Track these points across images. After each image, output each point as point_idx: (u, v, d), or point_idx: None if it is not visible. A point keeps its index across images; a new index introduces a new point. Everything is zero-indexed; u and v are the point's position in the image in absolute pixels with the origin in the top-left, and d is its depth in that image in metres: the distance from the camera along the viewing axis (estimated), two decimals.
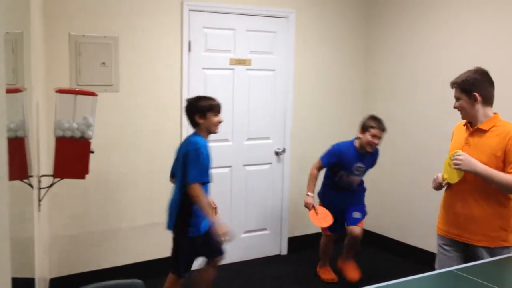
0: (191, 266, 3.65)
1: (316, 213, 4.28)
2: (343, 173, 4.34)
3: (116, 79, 4.24)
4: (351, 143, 4.33)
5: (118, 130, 4.30)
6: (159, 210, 4.19)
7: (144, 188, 4.45)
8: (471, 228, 2.95)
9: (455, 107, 3.02)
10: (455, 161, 2.89)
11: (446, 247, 3.09)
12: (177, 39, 4.45)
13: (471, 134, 2.98)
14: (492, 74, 2.99)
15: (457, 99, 3.00)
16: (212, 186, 4.74)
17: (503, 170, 2.83)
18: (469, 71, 2.98)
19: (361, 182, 4.50)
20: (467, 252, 3.01)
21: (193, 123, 3.57)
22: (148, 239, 4.50)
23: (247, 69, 4.81)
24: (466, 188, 2.94)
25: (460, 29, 4.52)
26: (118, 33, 4.20)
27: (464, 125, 3.07)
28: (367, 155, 4.30)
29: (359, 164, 4.28)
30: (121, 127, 4.31)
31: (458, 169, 2.88)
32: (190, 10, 4.46)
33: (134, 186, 4.41)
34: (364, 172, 4.37)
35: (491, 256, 2.86)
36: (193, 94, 4.52)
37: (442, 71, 4.64)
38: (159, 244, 4.40)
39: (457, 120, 3.15)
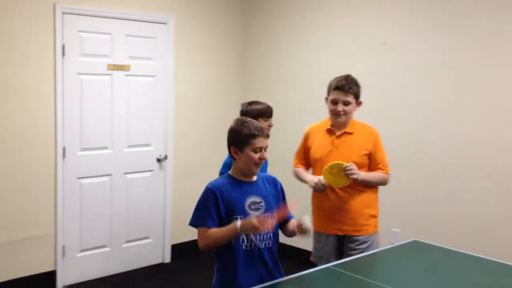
0: None
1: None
2: None
3: None
4: None
5: None
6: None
7: (13, 198, 4.17)
8: (345, 220, 3.13)
9: (339, 110, 3.06)
10: (350, 172, 2.99)
11: (321, 242, 3.24)
12: (49, 43, 4.23)
13: (338, 138, 3.13)
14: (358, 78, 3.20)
15: (346, 103, 3.06)
16: (91, 195, 4.59)
17: (373, 167, 3.11)
18: (349, 76, 3.10)
19: None
20: (341, 243, 3.20)
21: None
22: None
23: (126, 75, 4.70)
24: None
25: (333, 35, 4.78)
26: None
27: (326, 130, 3.18)
28: None
29: None
30: None
31: (355, 179, 3.02)
32: (63, 13, 4.27)
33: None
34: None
35: (363, 243, 3.09)
36: (68, 100, 4.35)
37: (318, 73, 4.85)
38: None
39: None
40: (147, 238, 4.99)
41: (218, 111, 5.41)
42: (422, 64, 4.14)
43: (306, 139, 3.30)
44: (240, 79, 5.59)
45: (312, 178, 3.18)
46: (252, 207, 2.46)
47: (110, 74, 4.60)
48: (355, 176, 3.01)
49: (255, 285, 2.39)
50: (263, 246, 2.46)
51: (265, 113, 3.30)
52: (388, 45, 4.35)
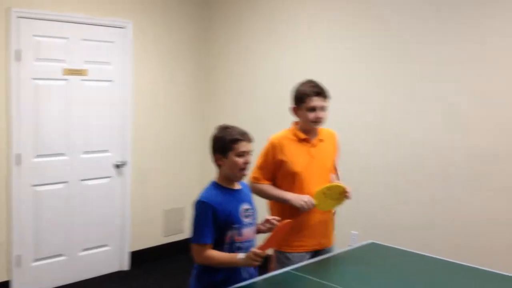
0: None
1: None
2: None
3: None
4: None
5: None
6: None
7: None
8: (324, 232, 3.07)
9: (320, 117, 2.94)
10: (350, 196, 2.93)
11: (293, 261, 2.92)
12: (2, 48, 4.13)
13: (314, 146, 3.01)
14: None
15: (324, 109, 2.97)
16: (46, 203, 4.49)
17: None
18: (313, 80, 3.00)
19: None
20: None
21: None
22: None
23: (82, 80, 4.62)
24: None
25: (297, 42, 4.84)
26: None
27: (298, 139, 2.99)
28: None
29: None
30: None
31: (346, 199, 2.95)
32: (18, 17, 4.17)
33: None
34: None
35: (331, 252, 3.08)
36: (23, 105, 4.25)
37: (280, 79, 4.89)
38: None
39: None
40: (105, 245, 4.91)
41: (177, 116, 5.39)
42: (382, 67, 4.25)
43: (275, 151, 2.97)
44: (199, 84, 5.58)
45: (297, 196, 2.90)
46: (245, 214, 2.50)
47: (66, 79, 4.52)
48: (351, 197, 2.96)
49: None
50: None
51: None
52: (352, 51, 4.42)
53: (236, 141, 2.45)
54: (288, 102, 3.11)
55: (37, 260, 4.46)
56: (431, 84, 3.96)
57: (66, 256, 4.64)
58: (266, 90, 5.04)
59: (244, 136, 2.48)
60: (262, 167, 3.01)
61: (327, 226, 3.07)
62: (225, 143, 2.45)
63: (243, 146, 2.46)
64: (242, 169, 2.47)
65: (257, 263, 2.33)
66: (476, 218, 3.75)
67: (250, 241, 2.51)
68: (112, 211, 4.94)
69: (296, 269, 2.70)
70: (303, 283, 2.55)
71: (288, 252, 2.96)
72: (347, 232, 4.34)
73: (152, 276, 4.88)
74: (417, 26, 4.01)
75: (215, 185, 2.52)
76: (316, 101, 2.91)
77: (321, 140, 3.04)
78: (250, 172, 2.97)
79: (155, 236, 5.21)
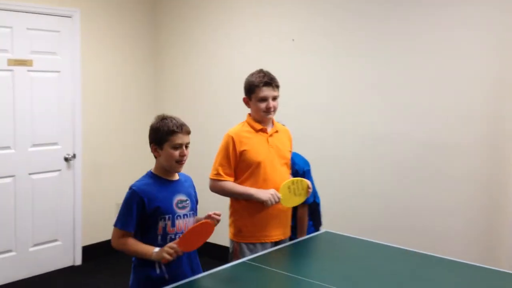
0: None
1: None
2: None
3: None
4: None
5: None
6: None
7: None
8: (286, 223, 3.06)
9: (270, 107, 2.91)
10: (310, 191, 2.91)
11: (255, 252, 2.92)
12: None
13: (271, 136, 2.99)
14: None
15: (275, 98, 2.95)
16: None
17: None
18: (266, 71, 2.98)
19: None
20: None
21: None
22: None
23: (28, 70, 4.48)
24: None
25: (243, 32, 4.83)
26: None
27: (255, 130, 2.96)
28: None
29: None
30: None
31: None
32: None
33: None
34: None
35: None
36: None
37: (227, 71, 4.90)
38: None
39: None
40: (56, 240, 4.80)
41: (127, 107, 5.30)
42: (329, 62, 4.30)
43: (234, 144, 2.91)
44: (149, 74, 5.50)
45: (262, 191, 2.86)
46: (180, 205, 2.45)
47: (11, 70, 4.36)
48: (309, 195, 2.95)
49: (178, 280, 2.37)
50: None
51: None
52: (297, 42, 4.46)
53: (172, 132, 2.40)
54: (241, 91, 3.07)
55: None
56: (390, 75, 4.02)
57: (16, 252, 4.51)
58: (220, 77, 5.02)
59: (180, 128, 2.42)
60: (222, 163, 2.93)
61: (288, 216, 3.08)
62: (161, 134, 2.41)
63: (179, 138, 2.41)
64: (178, 161, 2.43)
65: (169, 258, 2.25)
66: (429, 207, 3.85)
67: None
68: (62, 206, 4.82)
69: (252, 260, 2.71)
70: (260, 273, 2.57)
71: (252, 243, 2.95)
72: None
73: (104, 270, 4.81)
74: (369, 12, 4.08)
75: (150, 175, 2.49)
76: (266, 91, 2.90)
77: (276, 131, 3.04)
78: (212, 171, 2.96)
79: (107, 230, 5.06)
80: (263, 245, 2.97)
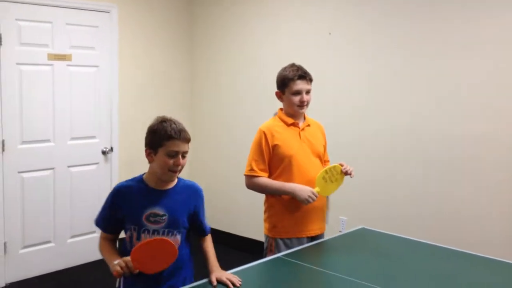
0: None
1: None
2: None
3: None
4: None
5: None
6: None
7: None
8: (322, 217, 3.02)
9: (304, 101, 2.89)
10: (350, 170, 2.86)
11: (291, 248, 2.88)
12: None
13: (303, 130, 2.96)
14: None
15: (308, 92, 2.93)
16: (33, 190, 4.43)
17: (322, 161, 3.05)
18: (296, 64, 2.96)
19: None
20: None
21: None
22: None
23: (68, 65, 4.55)
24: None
25: (279, 27, 4.80)
26: None
27: (287, 125, 2.93)
28: None
29: None
30: None
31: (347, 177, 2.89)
32: None
33: None
34: None
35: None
36: (7, 91, 4.17)
37: (264, 68, 4.87)
38: None
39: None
40: (93, 232, 4.87)
41: (164, 101, 5.34)
42: (367, 56, 4.23)
43: (267, 139, 2.89)
44: (186, 68, 5.53)
45: (300, 188, 2.81)
46: (152, 219, 2.19)
47: (51, 64, 4.45)
48: (354, 173, 2.89)
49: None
50: None
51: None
52: (334, 36, 4.40)
53: (169, 138, 2.16)
54: (273, 84, 3.04)
55: (25, 247, 4.43)
56: (425, 70, 3.95)
57: (54, 243, 4.61)
58: (250, 75, 5.00)
59: (179, 134, 2.18)
60: (256, 159, 2.90)
61: (323, 210, 3.04)
62: (157, 138, 2.18)
63: (175, 145, 2.17)
64: (172, 170, 2.18)
65: (119, 271, 2.01)
66: (465, 207, 3.77)
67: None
68: (100, 198, 4.87)
69: (287, 255, 2.69)
70: (295, 269, 2.55)
71: (288, 238, 2.92)
72: (336, 218, 4.36)
73: None
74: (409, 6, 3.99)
75: (138, 179, 2.28)
76: (300, 85, 2.87)
77: (308, 125, 3.01)
78: (246, 167, 2.92)
79: None
80: (299, 240, 2.93)
